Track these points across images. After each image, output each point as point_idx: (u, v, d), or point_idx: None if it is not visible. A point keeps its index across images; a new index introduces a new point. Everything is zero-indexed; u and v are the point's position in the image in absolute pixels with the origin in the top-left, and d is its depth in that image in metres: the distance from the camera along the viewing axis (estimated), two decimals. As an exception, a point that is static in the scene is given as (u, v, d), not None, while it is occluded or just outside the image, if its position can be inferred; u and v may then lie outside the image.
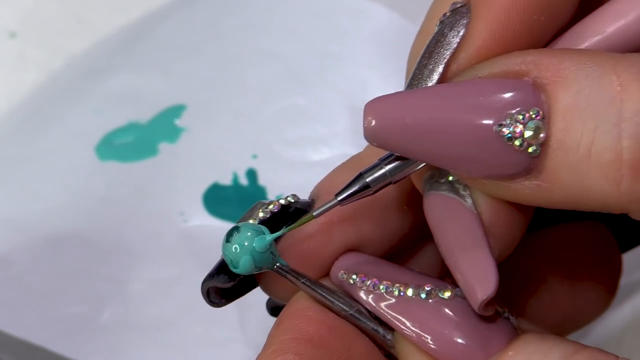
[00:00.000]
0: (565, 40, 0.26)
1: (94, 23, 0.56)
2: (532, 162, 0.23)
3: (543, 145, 0.23)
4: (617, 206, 0.23)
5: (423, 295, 0.25)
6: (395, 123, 0.23)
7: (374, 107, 0.23)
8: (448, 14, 0.25)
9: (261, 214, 0.27)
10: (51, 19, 0.55)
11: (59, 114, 0.49)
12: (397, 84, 0.45)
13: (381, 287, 0.26)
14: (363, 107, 0.24)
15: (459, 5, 0.25)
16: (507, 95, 0.23)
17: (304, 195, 0.28)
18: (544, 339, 0.25)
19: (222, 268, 0.27)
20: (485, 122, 0.23)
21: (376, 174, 0.25)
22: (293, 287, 0.27)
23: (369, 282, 0.26)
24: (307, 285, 0.26)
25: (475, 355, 0.25)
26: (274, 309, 0.30)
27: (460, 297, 0.25)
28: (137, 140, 0.46)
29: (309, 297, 0.27)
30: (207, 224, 0.43)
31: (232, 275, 0.26)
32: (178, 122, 0.46)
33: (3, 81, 0.54)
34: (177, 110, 0.47)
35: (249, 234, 0.25)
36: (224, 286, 0.27)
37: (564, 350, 0.24)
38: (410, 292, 0.26)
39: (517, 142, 0.23)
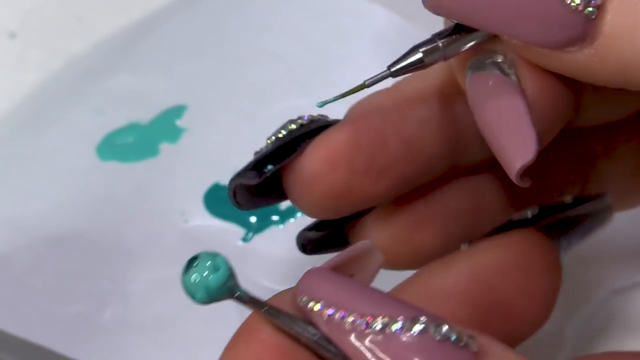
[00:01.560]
0: None
1: (94, 23, 0.56)
2: (587, 26, 0.23)
3: (600, 8, 0.23)
4: None
5: (378, 327, 0.25)
6: None
7: None
8: None
9: (292, 126, 0.28)
10: (51, 20, 0.55)
11: (59, 114, 0.49)
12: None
13: (336, 315, 0.25)
14: None
15: None
16: None
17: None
18: None
19: (252, 166, 0.27)
20: None
21: (430, 46, 0.26)
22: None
23: (326, 310, 0.25)
24: (269, 314, 0.26)
25: None
26: (305, 244, 0.30)
27: (411, 331, 0.24)
28: (138, 141, 0.46)
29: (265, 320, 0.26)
30: (208, 224, 0.43)
31: (261, 174, 0.27)
32: (179, 122, 0.46)
33: (3, 81, 0.54)
34: (177, 110, 0.47)
35: (208, 266, 0.26)
36: (249, 182, 0.28)
37: None
38: (363, 324, 0.25)
39: (574, 3, 0.23)
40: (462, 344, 0.25)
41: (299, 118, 0.28)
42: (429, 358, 0.24)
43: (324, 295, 0.26)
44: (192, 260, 0.26)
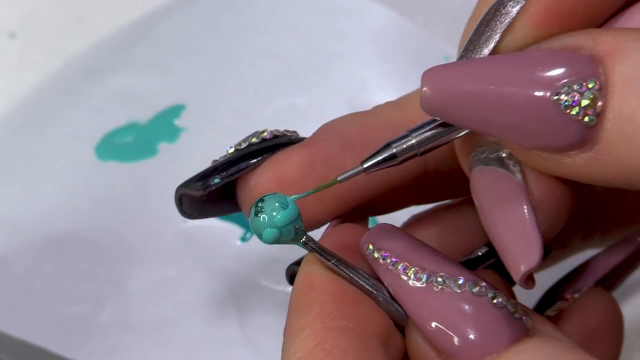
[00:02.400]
0: (625, 21, 0.26)
1: (93, 23, 0.56)
2: (587, 132, 0.23)
3: (599, 115, 0.23)
4: None
5: (435, 283, 0.26)
6: (452, 92, 0.24)
7: (430, 76, 0.24)
8: None
9: (253, 139, 0.28)
10: (51, 19, 0.55)
11: (59, 113, 0.49)
12: (397, 83, 0.45)
13: (399, 266, 0.26)
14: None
15: None
16: (565, 66, 0.23)
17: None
18: (545, 345, 0.25)
19: (199, 177, 0.28)
20: (543, 91, 0.23)
21: (404, 145, 0.26)
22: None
23: (389, 260, 0.27)
24: (334, 264, 0.27)
25: (473, 350, 0.25)
26: (294, 277, 0.30)
27: (470, 291, 0.25)
28: (137, 140, 0.46)
29: (316, 264, 0.27)
30: (207, 224, 0.43)
31: (206, 187, 0.27)
32: (177, 122, 0.46)
33: (3, 81, 0.54)
34: (176, 110, 0.46)
35: (277, 204, 0.26)
36: (193, 194, 0.28)
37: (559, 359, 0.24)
38: (424, 277, 0.26)
39: (573, 112, 0.23)
40: (517, 315, 0.25)
41: (263, 132, 0.28)
42: (483, 318, 0.25)
43: (390, 247, 0.27)
44: (259, 201, 0.26)
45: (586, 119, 0.23)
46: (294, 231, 0.26)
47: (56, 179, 0.46)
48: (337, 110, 0.45)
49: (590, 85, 0.23)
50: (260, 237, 0.26)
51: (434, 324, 0.25)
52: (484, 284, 0.25)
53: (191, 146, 0.45)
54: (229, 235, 0.43)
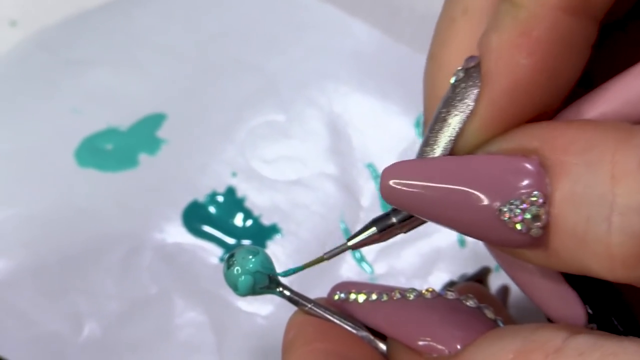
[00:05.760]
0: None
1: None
2: (536, 240, 0.24)
3: (545, 227, 0.24)
4: (617, 281, 0.24)
5: (408, 294, 0.28)
6: (407, 189, 0.25)
7: (389, 171, 0.26)
8: (461, 75, 0.26)
9: None
10: (52, 8, 0.53)
11: (38, 108, 0.47)
12: (376, 100, 0.43)
13: (373, 295, 0.28)
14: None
15: (472, 65, 0.26)
16: (513, 178, 0.24)
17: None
18: (505, 333, 0.25)
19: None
20: (489, 203, 0.24)
21: (385, 223, 0.27)
22: None
23: (363, 292, 0.28)
24: (311, 308, 0.28)
25: (443, 344, 0.26)
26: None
27: (443, 297, 0.28)
28: (117, 149, 0.45)
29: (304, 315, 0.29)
30: (186, 241, 0.43)
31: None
32: (158, 132, 0.45)
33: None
34: (157, 119, 0.45)
35: (247, 254, 0.27)
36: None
37: (517, 344, 0.25)
38: (397, 295, 0.28)
39: (518, 226, 0.24)
40: (490, 316, 0.27)
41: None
42: (459, 311, 0.27)
43: (359, 286, 0.29)
44: (230, 256, 0.27)
45: (532, 232, 0.24)
46: (268, 279, 0.27)
47: (35, 182, 0.45)
48: (316, 127, 0.44)
49: (534, 200, 0.24)
50: (235, 288, 0.27)
51: (419, 333, 0.26)
52: (454, 291, 0.28)
53: (172, 160, 0.45)
54: (208, 254, 0.42)
